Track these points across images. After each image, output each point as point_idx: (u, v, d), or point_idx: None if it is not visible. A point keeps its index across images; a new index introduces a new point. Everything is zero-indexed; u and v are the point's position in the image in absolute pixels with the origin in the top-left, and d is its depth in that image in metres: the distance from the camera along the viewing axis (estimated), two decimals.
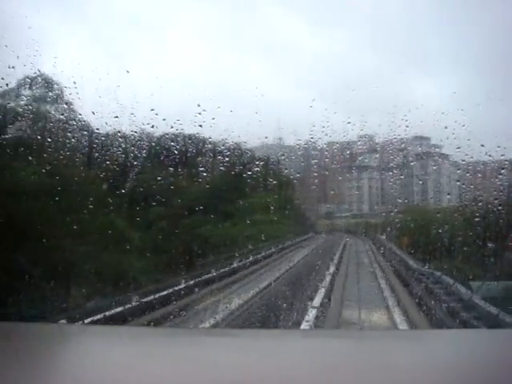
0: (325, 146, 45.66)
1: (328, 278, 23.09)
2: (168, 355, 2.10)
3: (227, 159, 25.85)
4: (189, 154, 27.00)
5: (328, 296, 19.22)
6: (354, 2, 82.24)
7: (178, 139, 26.55)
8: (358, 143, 49.67)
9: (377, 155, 55.09)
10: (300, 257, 31.84)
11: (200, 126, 19.63)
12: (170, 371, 1.80)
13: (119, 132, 23.65)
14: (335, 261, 30.57)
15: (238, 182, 27.75)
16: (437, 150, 50.66)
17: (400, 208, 45.22)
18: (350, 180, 56.44)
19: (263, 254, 29.53)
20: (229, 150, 26.73)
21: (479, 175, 24.70)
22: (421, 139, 51.67)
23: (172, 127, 20.87)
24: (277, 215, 29.76)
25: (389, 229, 34.41)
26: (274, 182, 28.33)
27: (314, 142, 43.91)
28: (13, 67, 16.34)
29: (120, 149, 23.67)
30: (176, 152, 26.28)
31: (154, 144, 26.22)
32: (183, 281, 19.59)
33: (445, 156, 48.73)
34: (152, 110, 19.07)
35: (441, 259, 22.39)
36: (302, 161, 40.44)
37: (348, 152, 50.77)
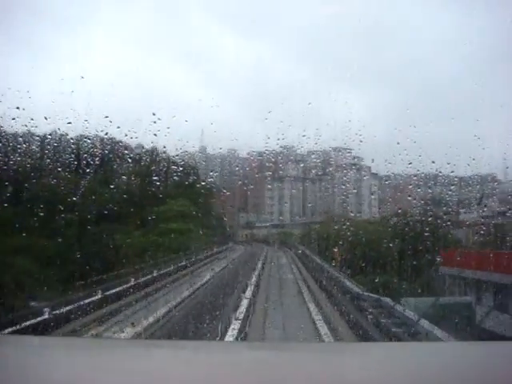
0: (247, 155, 45.64)
1: (243, 309, 17.74)
2: (85, 365, 2.16)
3: (143, 164, 23.77)
4: (103, 158, 24.48)
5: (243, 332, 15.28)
6: (282, 14, 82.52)
7: (90, 141, 24.00)
8: (280, 154, 49.60)
9: (299, 165, 55.00)
10: (213, 273, 26.90)
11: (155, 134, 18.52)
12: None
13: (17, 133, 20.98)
14: (253, 280, 25.24)
15: (153, 189, 25.41)
16: (360, 162, 50.91)
17: (322, 218, 45.28)
18: (271, 190, 56.06)
19: (171, 267, 25.64)
20: (146, 155, 24.69)
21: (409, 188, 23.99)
22: (342, 150, 51.83)
23: (126, 135, 19.88)
24: (193, 224, 27.86)
25: (308, 239, 33.78)
26: (193, 190, 26.57)
27: (236, 152, 43.41)
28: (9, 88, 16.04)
29: (22, 150, 21.77)
30: (88, 155, 23.74)
31: (63, 146, 23.59)
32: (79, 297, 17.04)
33: (368, 168, 49.20)
34: (106, 117, 18.34)
35: (364, 271, 21.83)
36: (224, 170, 39.48)
37: (270, 162, 50.53)
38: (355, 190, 50.13)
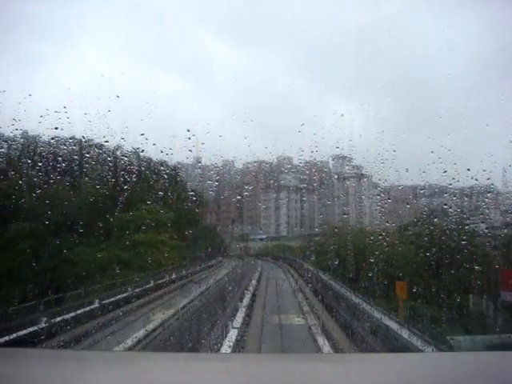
0: (242, 166, 42.58)
1: None
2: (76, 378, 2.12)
3: (109, 165, 20.08)
4: (65, 160, 20.88)
5: None
6: (277, 23, 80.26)
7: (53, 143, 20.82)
8: (277, 164, 46.57)
9: (297, 175, 51.49)
10: (180, 305, 18.70)
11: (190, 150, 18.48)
12: None
13: None
14: (238, 322, 16.10)
15: (124, 192, 21.32)
16: (358, 170, 47.48)
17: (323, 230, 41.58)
18: (267, 200, 52.57)
19: (121, 295, 19.31)
20: (114, 156, 21.13)
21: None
22: (341, 159, 48.40)
23: (162, 152, 19.20)
24: (170, 235, 23.73)
25: (309, 253, 29.67)
26: (175, 196, 22.77)
27: (231, 162, 40.65)
28: (4, 91, 16.33)
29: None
30: (48, 157, 20.38)
31: (19, 148, 20.80)
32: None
33: (366, 177, 45.59)
34: (142, 134, 18.00)
35: (375, 292, 17.96)
36: (218, 180, 36.39)
37: (267, 172, 47.62)
38: (359, 200, 46.72)
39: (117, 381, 2.06)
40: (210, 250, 32.52)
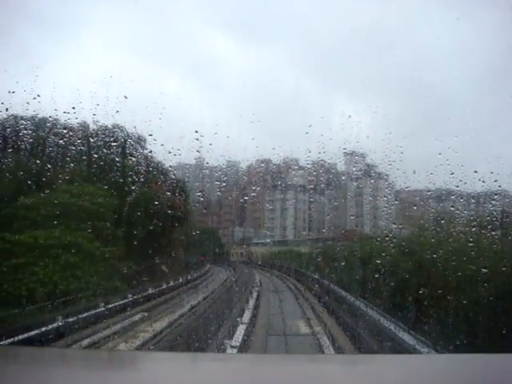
0: (247, 166, 39.28)
1: None
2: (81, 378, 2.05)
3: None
4: None
5: None
6: (285, 23, 77.25)
7: None
8: (284, 164, 43.10)
9: (304, 174, 47.43)
10: None
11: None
12: None
13: None
14: None
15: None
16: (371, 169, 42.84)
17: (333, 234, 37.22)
18: (272, 201, 48.44)
19: None
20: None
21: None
22: (353, 155, 43.80)
23: (170, 152, 18.09)
24: (104, 234, 17.50)
25: (320, 260, 24.80)
26: (121, 175, 18.78)
27: (236, 162, 37.89)
28: (13, 92, 15.75)
29: None
30: None
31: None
32: None
33: (382, 176, 40.91)
34: (150, 135, 19.40)
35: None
36: (220, 179, 33.27)
37: (272, 172, 44.01)
38: (372, 200, 42.53)
39: (123, 380, 2.03)
40: (196, 256, 26.72)
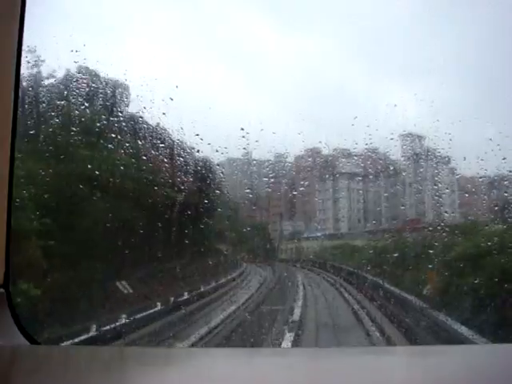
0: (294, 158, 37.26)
1: None
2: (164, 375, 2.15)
3: None
4: None
5: None
6: (329, 11, 73.78)
7: None
8: (332, 154, 40.52)
9: (355, 161, 44.19)
10: None
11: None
12: None
13: None
14: None
15: None
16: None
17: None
18: (323, 192, 45.53)
19: None
20: None
21: None
22: (411, 137, 40.11)
23: (217, 151, 19.31)
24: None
25: (390, 261, 20.90)
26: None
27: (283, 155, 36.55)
28: None
29: None
30: None
31: None
32: None
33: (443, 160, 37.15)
34: (197, 135, 18.42)
35: None
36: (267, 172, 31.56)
37: (321, 161, 41.56)
38: (434, 186, 38.62)
39: (179, 377, 2.06)
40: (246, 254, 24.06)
